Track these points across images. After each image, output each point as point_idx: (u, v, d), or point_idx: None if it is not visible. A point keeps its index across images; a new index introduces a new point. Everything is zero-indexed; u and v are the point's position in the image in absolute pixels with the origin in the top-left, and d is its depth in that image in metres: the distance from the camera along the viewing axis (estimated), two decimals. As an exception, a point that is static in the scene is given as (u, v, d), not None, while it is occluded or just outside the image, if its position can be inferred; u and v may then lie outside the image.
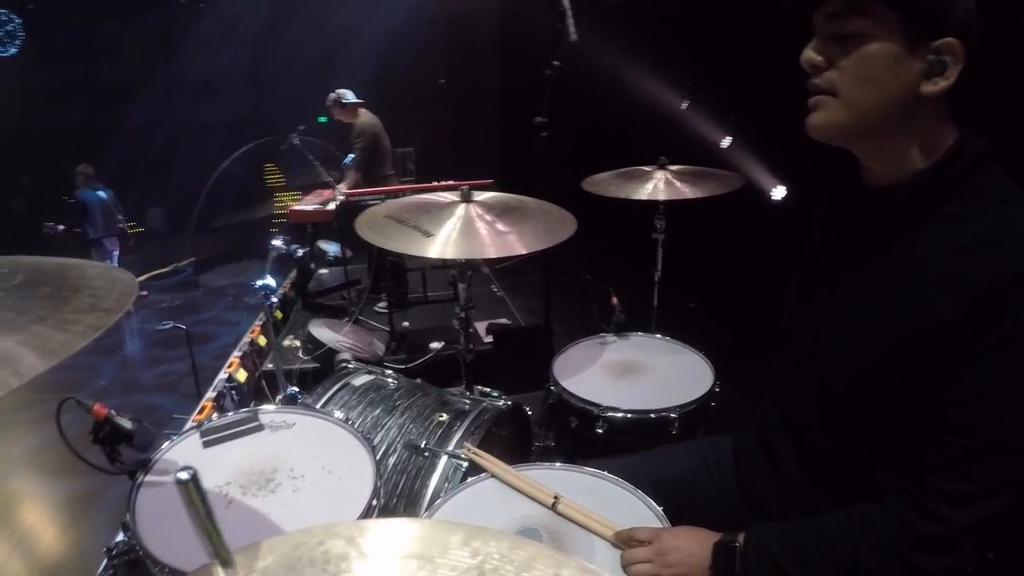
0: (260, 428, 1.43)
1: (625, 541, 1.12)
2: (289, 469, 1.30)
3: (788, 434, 1.15)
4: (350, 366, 1.97)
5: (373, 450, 1.34)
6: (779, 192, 3.57)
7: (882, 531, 0.93)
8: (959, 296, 0.87)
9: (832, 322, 1.05)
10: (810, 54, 0.97)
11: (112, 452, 1.19)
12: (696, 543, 1.08)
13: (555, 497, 1.21)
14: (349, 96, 4.85)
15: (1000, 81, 1.49)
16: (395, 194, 3.93)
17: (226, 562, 0.50)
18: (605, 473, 1.30)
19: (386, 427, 1.67)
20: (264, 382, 2.95)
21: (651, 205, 2.31)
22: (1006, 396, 0.86)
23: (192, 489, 0.47)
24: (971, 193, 0.92)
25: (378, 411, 1.71)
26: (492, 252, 1.62)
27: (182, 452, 1.36)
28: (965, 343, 0.87)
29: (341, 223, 4.41)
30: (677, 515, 1.18)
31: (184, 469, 0.46)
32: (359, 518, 1.17)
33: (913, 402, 0.93)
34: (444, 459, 1.54)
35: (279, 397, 1.73)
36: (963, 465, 0.88)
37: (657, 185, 2.21)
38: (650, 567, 1.07)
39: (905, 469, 0.95)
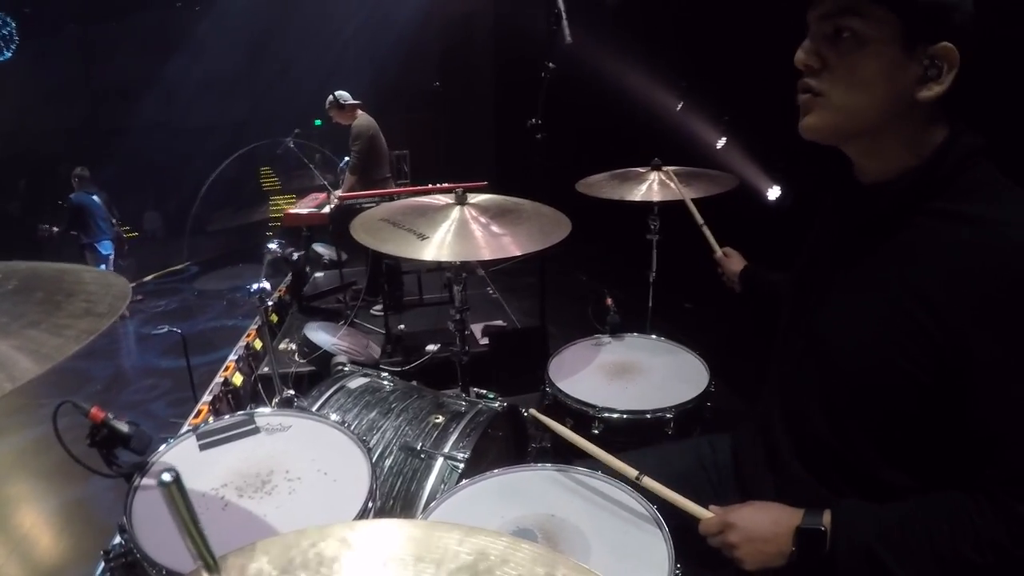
0: (256, 431, 1.43)
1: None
2: (285, 471, 1.30)
3: (789, 431, 1.15)
4: (346, 369, 1.97)
5: (369, 452, 1.34)
6: (774, 192, 3.58)
7: (985, 525, 0.88)
8: (960, 292, 0.87)
9: (829, 319, 1.06)
10: (803, 55, 0.96)
11: (109, 455, 1.19)
12: (768, 524, 1.04)
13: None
14: (347, 97, 4.86)
15: (1000, 81, 1.49)
16: (390, 197, 3.93)
17: (210, 566, 0.49)
18: (599, 473, 1.30)
19: (382, 429, 1.67)
20: (260, 385, 2.94)
21: (646, 206, 2.31)
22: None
23: (175, 491, 0.46)
24: (965, 190, 0.92)
25: (374, 413, 1.71)
26: (487, 254, 1.62)
27: (178, 455, 1.36)
28: (968, 342, 0.86)
29: (336, 226, 4.40)
30: (672, 515, 1.18)
31: (167, 471, 0.45)
32: (355, 520, 1.17)
33: (914, 398, 0.92)
34: (440, 461, 1.54)
35: (275, 400, 1.73)
36: None
37: (651, 186, 2.22)
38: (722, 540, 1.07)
39: (908, 464, 0.95)
